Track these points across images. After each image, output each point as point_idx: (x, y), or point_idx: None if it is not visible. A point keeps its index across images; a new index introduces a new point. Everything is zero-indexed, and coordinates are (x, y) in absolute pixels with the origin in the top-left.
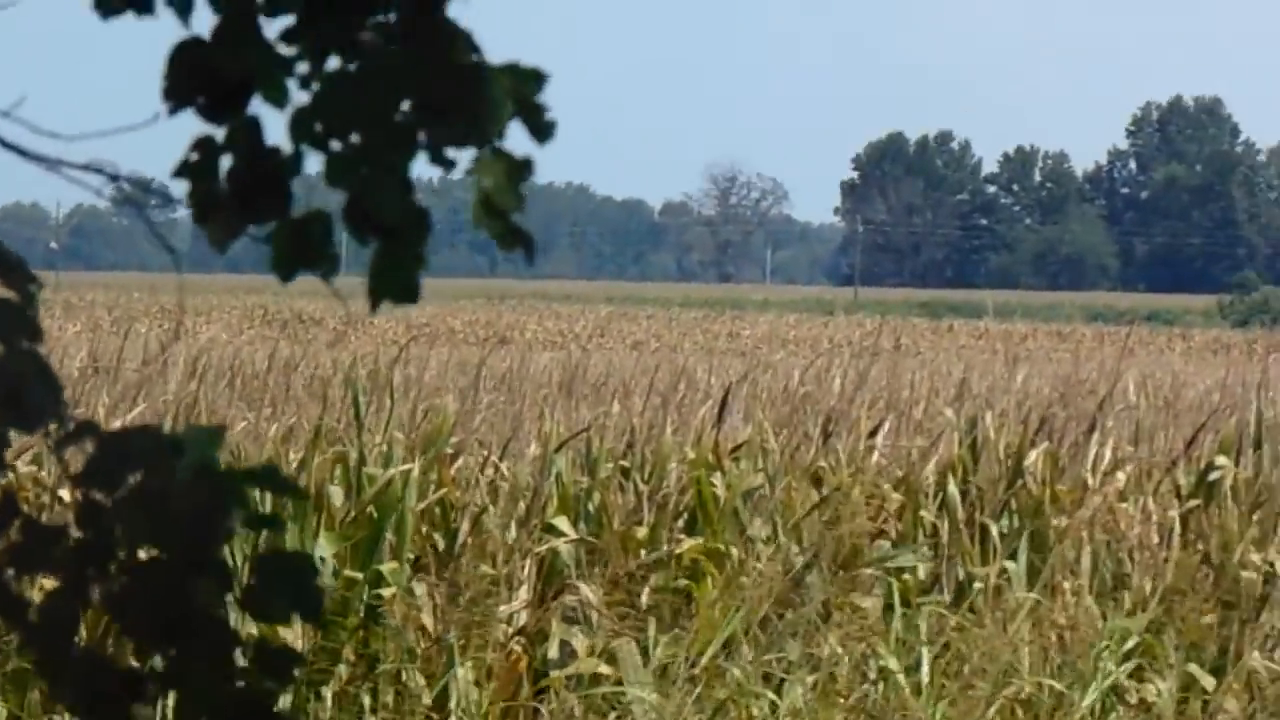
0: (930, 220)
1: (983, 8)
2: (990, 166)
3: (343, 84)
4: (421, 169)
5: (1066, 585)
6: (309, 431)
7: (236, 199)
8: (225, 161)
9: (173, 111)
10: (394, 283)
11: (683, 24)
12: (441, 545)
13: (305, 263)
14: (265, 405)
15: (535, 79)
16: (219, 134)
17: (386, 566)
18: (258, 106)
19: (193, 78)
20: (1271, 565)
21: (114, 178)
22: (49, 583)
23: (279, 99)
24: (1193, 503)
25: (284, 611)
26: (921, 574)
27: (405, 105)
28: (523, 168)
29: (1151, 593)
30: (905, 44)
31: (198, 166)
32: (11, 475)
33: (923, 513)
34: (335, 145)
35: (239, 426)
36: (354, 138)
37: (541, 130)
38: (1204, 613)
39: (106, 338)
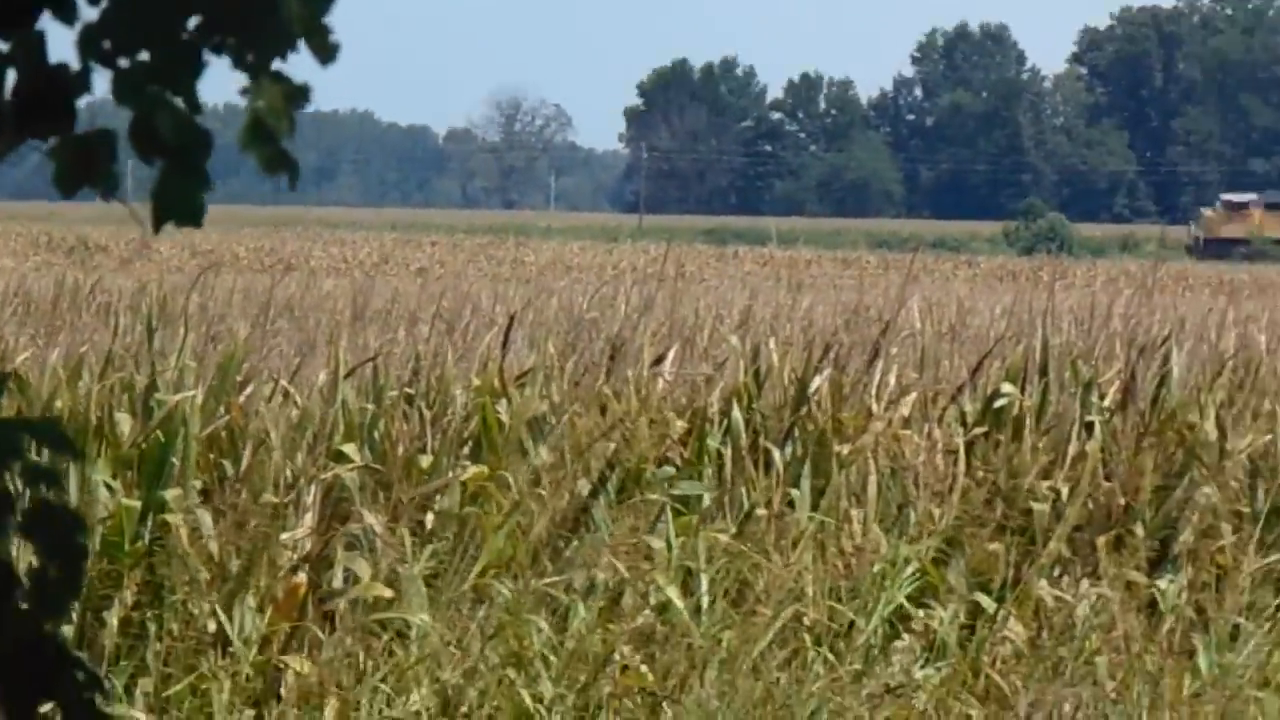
0: (715, 147)
1: None
2: (775, 93)
3: (130, 1)
4: (206, 93)
5: (853, 513)
6: (98, 359)
7: (20, 113)
8: (9, 77)
9: None
10: (178, 203)
11: None
12: (229, 472)
13: (87, 179)
14: (52, 333)
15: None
16: (3, 48)
17: (170, 493)
18: (45, 22)
19: None
20: (1058, 493)
21: None
22: None
23: (68, 15)
24: (978, 430)
25: (45, 563)
26: (706, 501)
27: (193, 23)
28: (299, 92)
29: (938, 520)
30: None
31: None
32: None
33: (708, 440)
34: (123, 63)
35: (25, 355)
36: (142, 55)
37: (325, 52)
38: (990, 540)
39: None
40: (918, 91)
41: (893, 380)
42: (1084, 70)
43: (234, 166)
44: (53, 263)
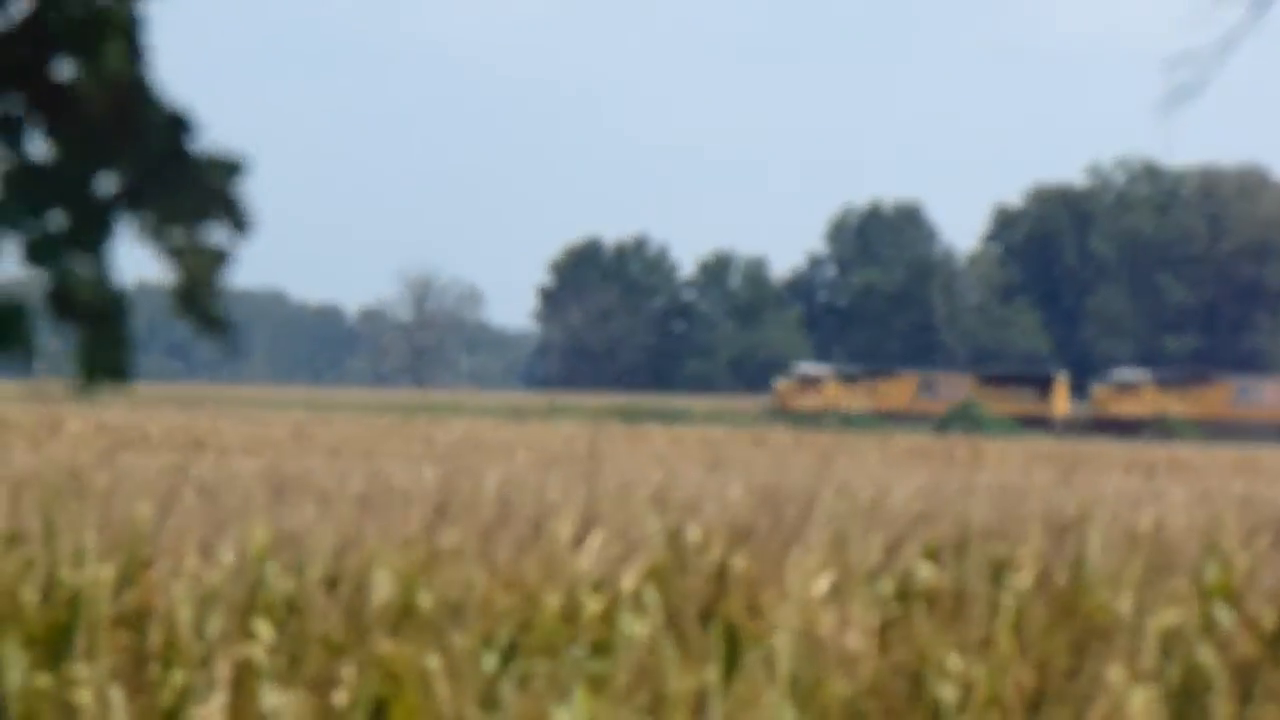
0: (627, 325)
1: (682, 110)
2: (688, 271)
3: (41, 170)
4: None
5: (766, 692)
6: (0, 535)
7: None
8: None
9: None
10: (104, 362)
11: (384, 122)
12: (137, 649)
13: (3, 347)
14: None
15: (235, 169)
16: None
17: (79, 669)
18: None
19: None
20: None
21: None
22: None
23: None
24: (894, 610)
25: None
26: (620, 680)
27: (109, 187)
28: (220, 257)
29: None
30: (598, 149)
31: None
32: None
33: (624, 619)
34: (34, 229)
35: None
36: (55, 220)
37: (240, 222)
38: None
39: None
40: (831, 269)
41: (810, 560)
42: (1000, 248)
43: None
44: None
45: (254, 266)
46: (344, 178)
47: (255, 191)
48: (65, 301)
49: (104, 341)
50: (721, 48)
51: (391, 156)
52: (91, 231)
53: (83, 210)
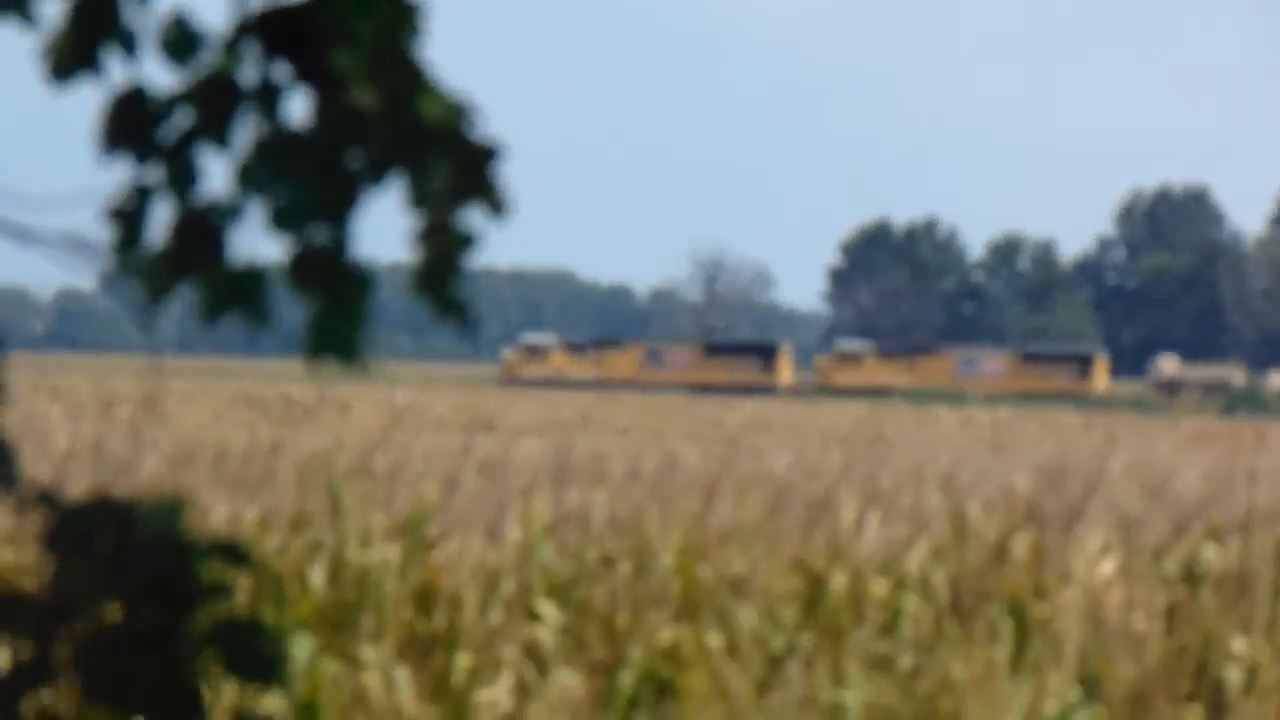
0: (917, 306)
1: (971, 94)
2: (977, 253)
3: (290, 139)
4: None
5: (1050, 674)
6: (289, 517)
7: (172, 247)
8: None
9: (106, 157)
10: (334, 339)
11: (672, 106)
12: (423, 630)
13: (233, 306)
14: (246, 490)
15: (493, 153)
16: (157, 178)
17: (366, 651)
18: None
19: (133, 125)
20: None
21: (92, 249)
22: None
23: (224, 144)
24: (1179, 592)
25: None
26: (906, 662)
27: (361, 161)
28: (469, 240)
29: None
30: (892, 130)
31: (128, 213)
32: None
33: (907, 600)
34: (279, 195)
35: (219, 511)
36: (301, 187)
37: (498, 206)
38: (1183, 703)
39: (90, 421)
40: (1120, 252)
41: (1095, 541)
42: None
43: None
44: (250, 420)
45: (543, 247)
46: (634, 162)
47: (544, 176)
48: (303, 270)
49: (336, 316)
50: (1011, 31)
51: (682, 140)
52: (338, 203)
53: (331, 182)
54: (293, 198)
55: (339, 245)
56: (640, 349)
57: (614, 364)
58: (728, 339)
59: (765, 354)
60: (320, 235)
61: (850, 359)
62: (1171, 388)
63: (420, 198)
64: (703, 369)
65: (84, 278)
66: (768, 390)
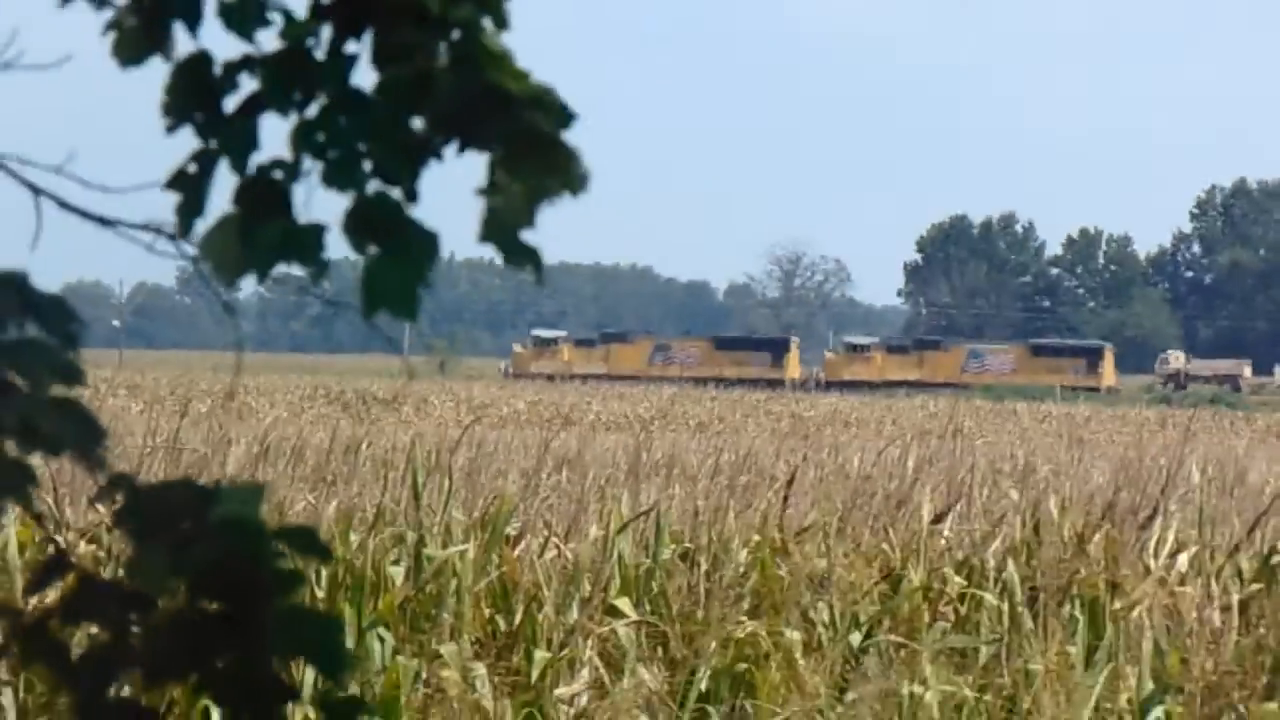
0: (994, 302)
1: (1049, 91)
2: (1054, 249)
3: (356, 98)
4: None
5: (1128, 670)
6: (369, 511)
7: (237, 210)
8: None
9: (171, 129)
10: (389, 291)
11: (746, 102)
12: (502, 626)
13: (286, 257)
14: (326, 485)
15: (566, 119)
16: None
17: (445, 647)
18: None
19: (195, 94)
20: None
21: (171, 236)
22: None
23: (286, 108)
24: (1255, 587)
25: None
26: (983, 657)
27: (419, 120)
28: (542, 188)
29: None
30: (965, 125)
31: (193, 179)
32: (66, 530)
33: (984, 596)
34: (337, 153)
35: (299, 506)
36: (365, 146)
37: (573, 183)
38: (1263, 699)
39: (168, 417)
40: (1196, 248)
41: (1170, 537)
42: None
43: (510, 319)
44: (329, 415)
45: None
46: (713, 158)
47: (623, 173)
48: (365, 221)
49: (393, 269)
50: (1090, 29)
51: (761, 137)
52: (399, 164)
53: (394, 143)
54: (356, 156)
55: (403, 201)
56: (649, 343)
57: (622, 358)
58: (736, 334)
59: (775, 349)
60: (383, 192)
61: (859, 354)
62: (1177, 381)
63: (494, 168)
64: (711, 363)
65: (163, 273)
66: (776, 385)
